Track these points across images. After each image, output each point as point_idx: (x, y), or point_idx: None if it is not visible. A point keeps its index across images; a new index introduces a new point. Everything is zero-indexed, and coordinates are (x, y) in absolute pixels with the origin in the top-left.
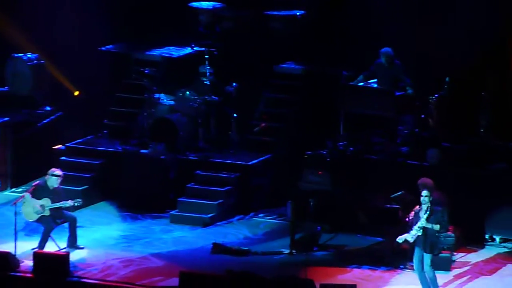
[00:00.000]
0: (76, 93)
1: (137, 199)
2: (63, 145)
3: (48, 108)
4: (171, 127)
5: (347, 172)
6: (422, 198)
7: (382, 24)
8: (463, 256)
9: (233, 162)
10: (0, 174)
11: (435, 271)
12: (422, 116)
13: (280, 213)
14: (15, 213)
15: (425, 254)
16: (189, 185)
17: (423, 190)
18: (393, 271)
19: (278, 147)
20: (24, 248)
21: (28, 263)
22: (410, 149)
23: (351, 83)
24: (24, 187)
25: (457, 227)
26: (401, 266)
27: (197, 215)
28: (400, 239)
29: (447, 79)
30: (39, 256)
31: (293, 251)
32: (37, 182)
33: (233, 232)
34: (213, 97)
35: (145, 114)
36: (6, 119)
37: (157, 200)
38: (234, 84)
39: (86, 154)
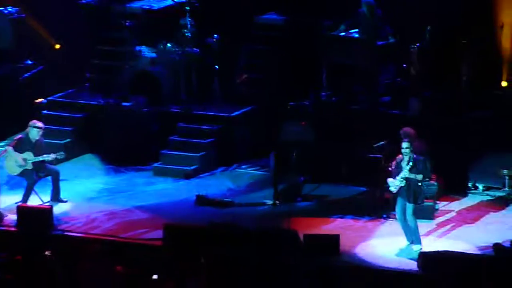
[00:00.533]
0: (57, 46)
1: (120, 152)
2: (44, 98)
3: (29, 62)
4: (153, 80)
5: (329, 122)
6: (403, 150)
7: None
8: (446, 205)
9: (216, 114)
10: None
11: (418, 220)
12: (404, 65)
13: (263, 165)
14: None
15: (408, 203)
16: (171, 137)
17: (404, 140)
18: (376, 220)
19: (260, 98)
20: (7, 202)
21: (12, 217)
22: (391, 98)
23: (332, 33)
24: (6, 141)
25: (440, 176)
26: (384, 216)
27: (180, 167)
28: (389, 182)
29: (428, 28)
30: (22, 210)
31: (276, 202)
32: (19, 136)
33: (216, 184)
34: (194, 49)
35: (127, 67)
36: None
37: (140, 153)
38: (215, 36)
39: (68, 108)
